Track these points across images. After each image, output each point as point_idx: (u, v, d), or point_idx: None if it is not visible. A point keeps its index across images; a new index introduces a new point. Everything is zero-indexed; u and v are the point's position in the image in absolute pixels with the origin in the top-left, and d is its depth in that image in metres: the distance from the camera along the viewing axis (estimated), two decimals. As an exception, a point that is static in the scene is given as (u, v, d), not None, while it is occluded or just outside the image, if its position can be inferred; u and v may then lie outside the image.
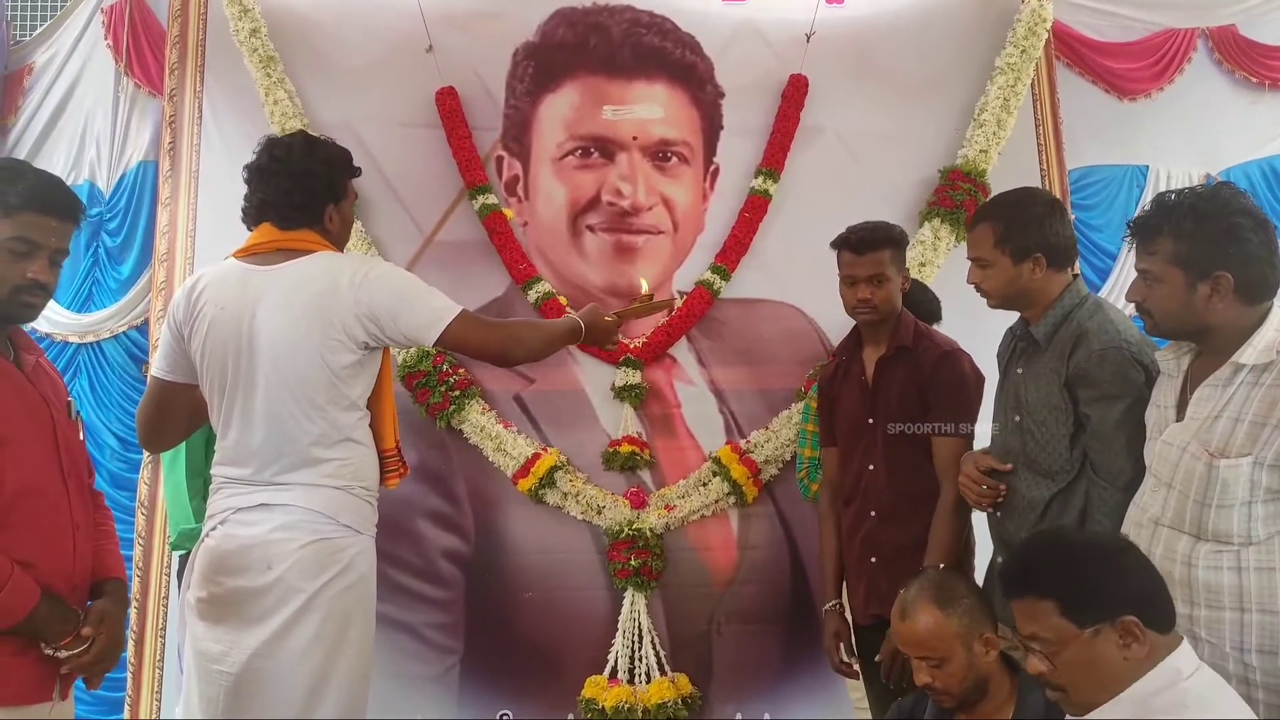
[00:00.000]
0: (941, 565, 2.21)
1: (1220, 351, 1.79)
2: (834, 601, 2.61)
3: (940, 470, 2.41)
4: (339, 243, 2.14)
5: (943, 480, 2.40)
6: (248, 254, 2.06)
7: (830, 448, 2.68)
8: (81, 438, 1.86)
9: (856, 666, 2.57)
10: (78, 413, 1.89)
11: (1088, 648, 1.48)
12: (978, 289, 2.25)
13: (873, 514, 2.49)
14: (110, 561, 1.87)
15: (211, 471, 2.06)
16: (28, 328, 1.86)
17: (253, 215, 2.08)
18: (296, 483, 1.96)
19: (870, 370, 2.55)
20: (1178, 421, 1.82)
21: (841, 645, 2.55)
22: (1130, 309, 2.06)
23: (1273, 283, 1.79)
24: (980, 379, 2.53)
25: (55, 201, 1.74)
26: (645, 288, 2.56)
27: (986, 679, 1.89)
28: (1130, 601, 1.47)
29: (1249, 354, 1.74)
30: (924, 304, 2.95)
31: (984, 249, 2.20)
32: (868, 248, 2.50)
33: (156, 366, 2.15)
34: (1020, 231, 2.15)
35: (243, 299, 1.99)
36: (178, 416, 2.15)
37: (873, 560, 2.47)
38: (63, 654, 1.69)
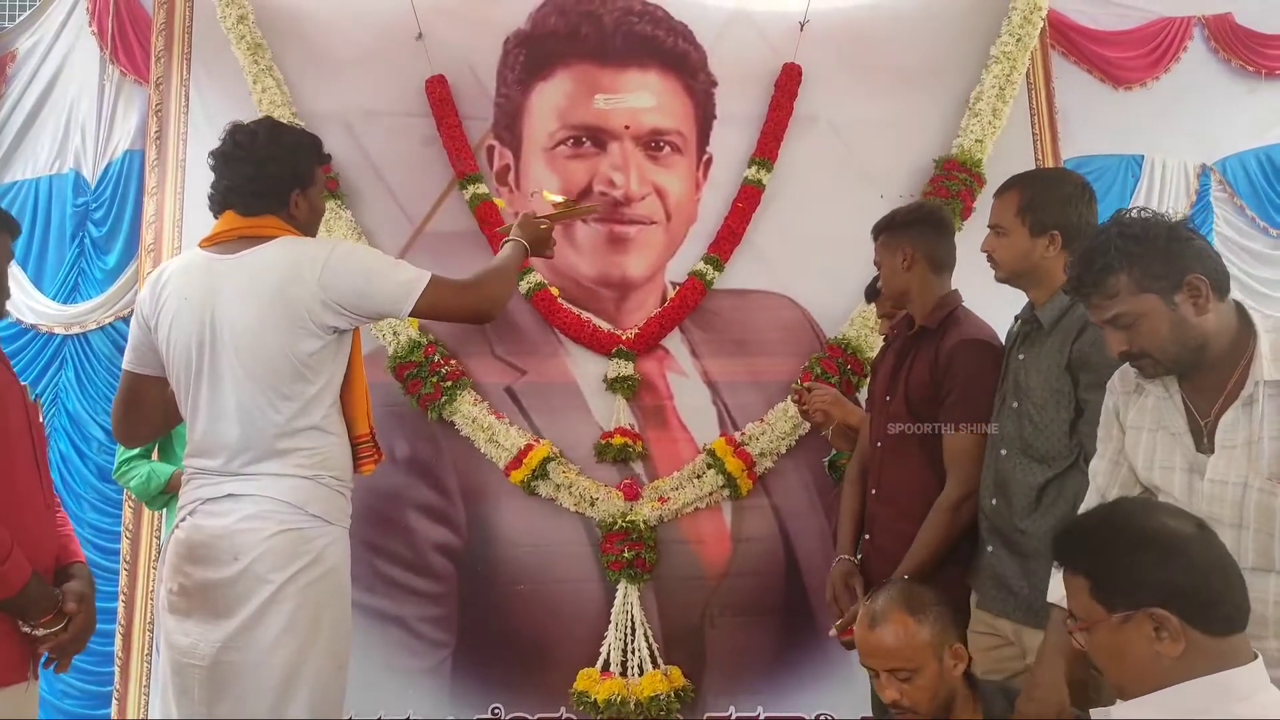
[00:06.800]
0: (906, 576, 2.12)
1: (1213, 367, 1.68)
2: (847, 556, 2.50)
3: (946, 464, 2.30)
4: (307, 230, 2.10)
5: (948, 475, 2.30)
6: (211, 243, 2.04)
7: (868, 413, 2.65)
8: (40, 421, 1.86)
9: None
10: (36, 396, 1.89)
11: (1115, 633, 1.36)
12: (989, 258, 2.23)
13: (872, 491, 2.47)
14: (71, 546, 1.90)
15: (183, 463, 2.05)
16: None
17: (218, 202, 2.06)
18: (264, 473, 1.93)
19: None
20: (1199, 450, 1.70)
21: (857, 586, 2.41)
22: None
23: (1227, 273, 1.70)
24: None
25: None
26: (550, 196, 2.57)
27: (954, 695, 1.80)
28: (1166, 594, 1.32)
29: (1269, 369, 1.63)
30: None
31: (1005, 216, 2.18)
32: (877, 232, 2.52)
33: (126, 359, 2.13)
34: (1044, 205, 2.14)
35: (205, 289, 1.97)
36: (150, 410, 2.13)
37: (866, 537, 2.46)
38: (41, 632, 1.71)
